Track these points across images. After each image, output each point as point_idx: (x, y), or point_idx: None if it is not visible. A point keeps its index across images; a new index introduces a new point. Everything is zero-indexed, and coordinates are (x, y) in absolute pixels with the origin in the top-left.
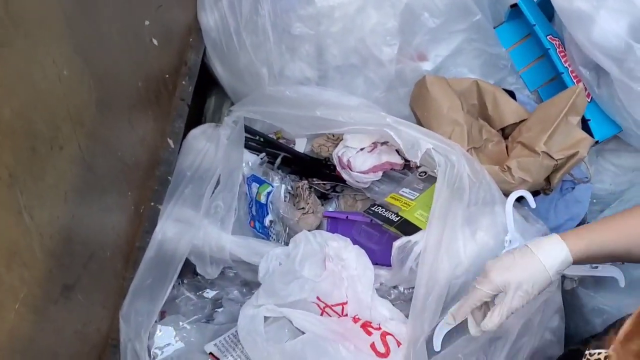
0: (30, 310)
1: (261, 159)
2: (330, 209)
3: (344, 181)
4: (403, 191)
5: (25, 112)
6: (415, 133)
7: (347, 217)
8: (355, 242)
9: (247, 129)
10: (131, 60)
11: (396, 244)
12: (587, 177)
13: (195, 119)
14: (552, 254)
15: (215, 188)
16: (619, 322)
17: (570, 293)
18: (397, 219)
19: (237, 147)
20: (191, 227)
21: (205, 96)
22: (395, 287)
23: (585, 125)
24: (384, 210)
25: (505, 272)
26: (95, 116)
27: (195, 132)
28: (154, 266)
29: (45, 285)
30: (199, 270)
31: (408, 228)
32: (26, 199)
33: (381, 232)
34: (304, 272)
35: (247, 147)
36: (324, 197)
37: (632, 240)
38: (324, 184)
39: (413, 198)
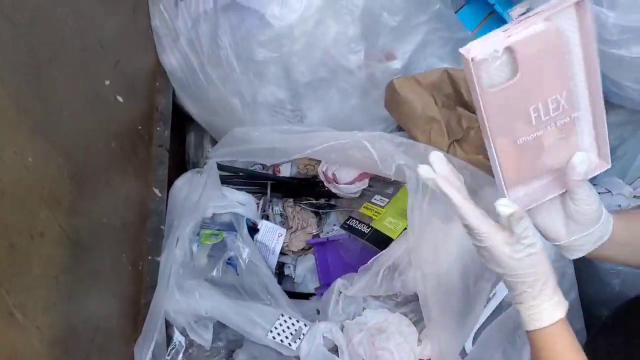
0: None
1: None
2: (329, 227)
3: (336, 195)
4: (374, 199)
5: None
6: (389, 147)
7: (327, 239)
8: (342, 261)
9: (229, 169)
10: (98, 124)
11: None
12: None
13: (179, 160)
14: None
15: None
16: None
17: (581, 261)
18: (368, 230)
19: (213, 193)
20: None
21: (184, 134)
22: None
23: None
24: (358, 222)
25: None
26: (72, 191)
27: (178, 182)
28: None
29: None
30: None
31: (379, 238)
32: (14, 298)
33: (358, 245)
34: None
35: (233, 184)
36: (317, 215)
37: None
38: (315, 201)
39: (383, 205)
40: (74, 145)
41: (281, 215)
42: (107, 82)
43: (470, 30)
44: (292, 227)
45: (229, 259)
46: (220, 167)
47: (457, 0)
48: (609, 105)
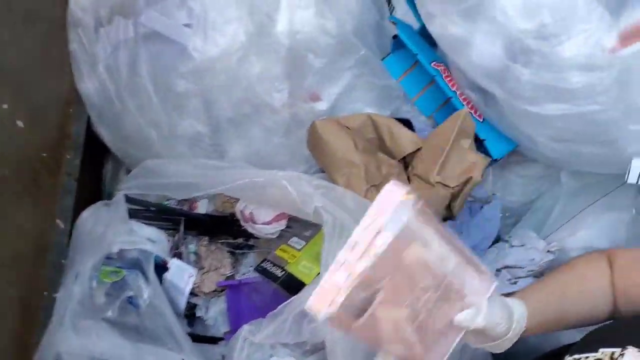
0: None
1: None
2: (246, 268)
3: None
4: (292, 241)
5: None
6: (308, 188)
7: (240, 282)
8: (255, 305)
9: (139, 202)
10: None
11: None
12: (488, 197)
13: (92, 188)
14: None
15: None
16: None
17: None
18: (282, 273)
19: (119, 227)
20: None
21: (100, 164)
22: None
23: (481, 145)
24: (272, 265)
25: None
26: None
27: (84, 214)
28: None
29: None
30: None
31: (292, 283)
32: None
33: (271, 289)
34: None
35: (144, 219)
36: (234, 255)
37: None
38: (233, 240)
39: (299, 248)
40: None
41: (195, 253)
42: (5, 106)
43: (395, 78)
44: (204, 267)
45: (130, 299)
46: (130, 200)
47: (384, 48)
48: (525, 159)
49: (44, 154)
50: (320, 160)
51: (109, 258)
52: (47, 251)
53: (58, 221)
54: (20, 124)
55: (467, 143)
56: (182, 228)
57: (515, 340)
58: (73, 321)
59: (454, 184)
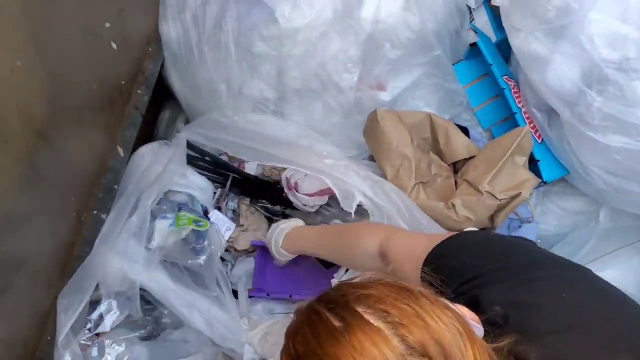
0: None
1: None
2: None
3: (292, 205)
4: (334, 223)
5: None
6: (350, 184)
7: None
8: (281, 271)
9: (197, 150)
10: (88, 60)
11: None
12: (531, 217)
13: (148, 129)
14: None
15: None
16: None
17: None
18: None
19: (177, 168)
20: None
21: (159, 108)
22: None
23: (534, 165)
24: None
25: None
26: (46, 113)
27: (143, 149)
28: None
29: None
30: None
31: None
32: None
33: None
34: None
35: (196, 167)
36: (269, 221)
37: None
38: (272, 206)
39: None
40: (60, 68)
41: (234, 211)
42: (107, 25)
43: (463, 85)
44: (242, 225)
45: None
46: (190, 145)
47: (456, 54)
48: (574, 190)
49: (123, 82)
50: (373, 147)
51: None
52: (104, 173)
53: (119, 148)
54: (114, 45)
55: (522, 160)
56: (228, 184)
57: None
58: (123, 249)
59: (502, 197)
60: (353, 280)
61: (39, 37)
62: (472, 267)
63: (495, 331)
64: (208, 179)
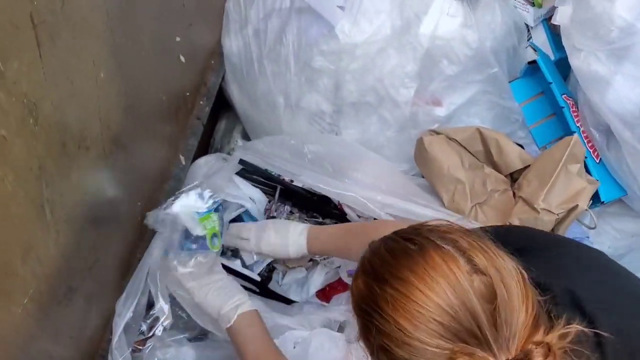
0: (36, 307)
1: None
2: None
3: (342, 219)
4: None
5: (63, 107)
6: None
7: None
8: None
9: (250, 165)
10: (159, 72)
11: None
12: (586, 233)
13: (205, 138)
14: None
15: None
16: None
17: None
18: None
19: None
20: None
21: (217, 118)
22: None
23: None
24: None
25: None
26: (122, 121)
27: (201, 160)
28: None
29: (53, 284)
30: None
31: None
32: (49, 193)
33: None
34: None
35: (249, 179)
36: None
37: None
38: (321, 220)
39: None
40: (136, 79)
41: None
42: (178, 39)
43: (519, 102)
44: None
45: None
46: (243, 162)
47: (513, 72)
48: (630, 212)
49: (187, 94)
50: (426, 174)
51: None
52: (167, 180)
53: (181, 157)
54: (182, 58)
55: (576, 168)
56: (277, 195)
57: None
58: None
59: (559, 211)
60: (423, 223)
61: (119, 49)
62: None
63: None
64: (262, 191)
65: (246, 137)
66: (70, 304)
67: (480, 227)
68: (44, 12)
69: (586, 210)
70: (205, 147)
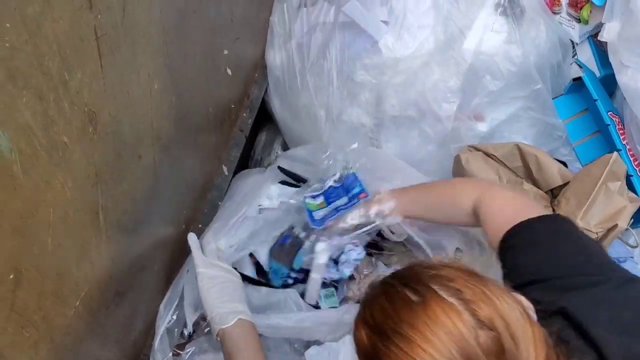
0: (87, 310)
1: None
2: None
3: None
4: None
5: (119, 117)
6: None
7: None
8: None
9: (288, 172)
10: (207, 84)
11: None
12: (636, 245)
13: (247, 150)
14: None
15: None
16: None
17: None
18: None
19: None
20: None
21: (258, 130)
22: None
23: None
24: None
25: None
26: (171, 132)
27: (242, 173)
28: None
29: (103, 288)
30: None
31: None
32: (104, 200)
33: None
34: None
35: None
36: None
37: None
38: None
39: None
40: (186, 92)
41: None
42: (225, 52)
43: (562, 119)
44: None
45: None
46: (281, 169)
47: (557, 88)
48: None
49: (232, 106)
50: None
51: None
52: (210, 190)
53: (224, 167)
54: (229, 71)
55: (616, 186)
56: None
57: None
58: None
59: (598, 230)
60: (423, 262)
61: (172, 62)
62: (534, 271)
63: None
64: None
65: (286, 149)
66: (117, 309)
67: (502, 237)
68: (106, 25)
69: (627, 229)
70: (246, 159)
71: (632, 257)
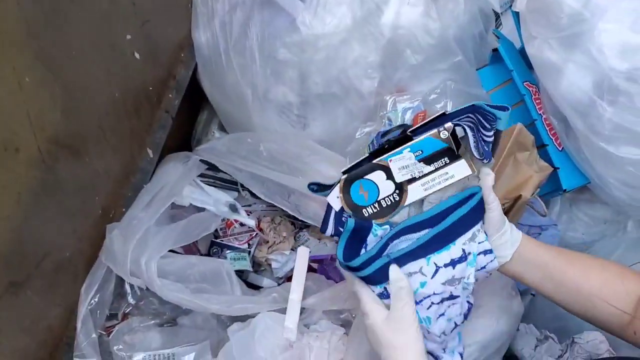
0: None
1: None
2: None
3: None
4: None
5: None
6: None
7: (330, 257)
8: None
9: (212, 166)
10: (107, 71)
11: None
12: (544, 213)
13: (186, 131)
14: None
15: None
16: None
17: None
18: None
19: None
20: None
21: (198, 110)
22: None
23: (554, 173)
24: None
25: None
26: (60, 122)
27: (168, 157)
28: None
29: None
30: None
31: None
32: None
33: None
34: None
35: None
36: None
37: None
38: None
39: None
40: (74, 80)
41: None
42: (129, 37)
43: (486, 90)
44: (267, 241)
45: None
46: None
47: (481, 59)
48: (595, 200)
49: (150, 88)
50: None
51: None
52: (134, 173)
53: (149, 150)
54: (137, 55)
55: (525, 156)
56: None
57: (515, 246)
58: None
59: (504, 201)
60: None
61: (47, 54)
62: None
63: None
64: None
65: (223, 129)
66: (15, 298)
67: None
68: None
69: (535, 197)
70: (187, 139)
71: (555, 225)
